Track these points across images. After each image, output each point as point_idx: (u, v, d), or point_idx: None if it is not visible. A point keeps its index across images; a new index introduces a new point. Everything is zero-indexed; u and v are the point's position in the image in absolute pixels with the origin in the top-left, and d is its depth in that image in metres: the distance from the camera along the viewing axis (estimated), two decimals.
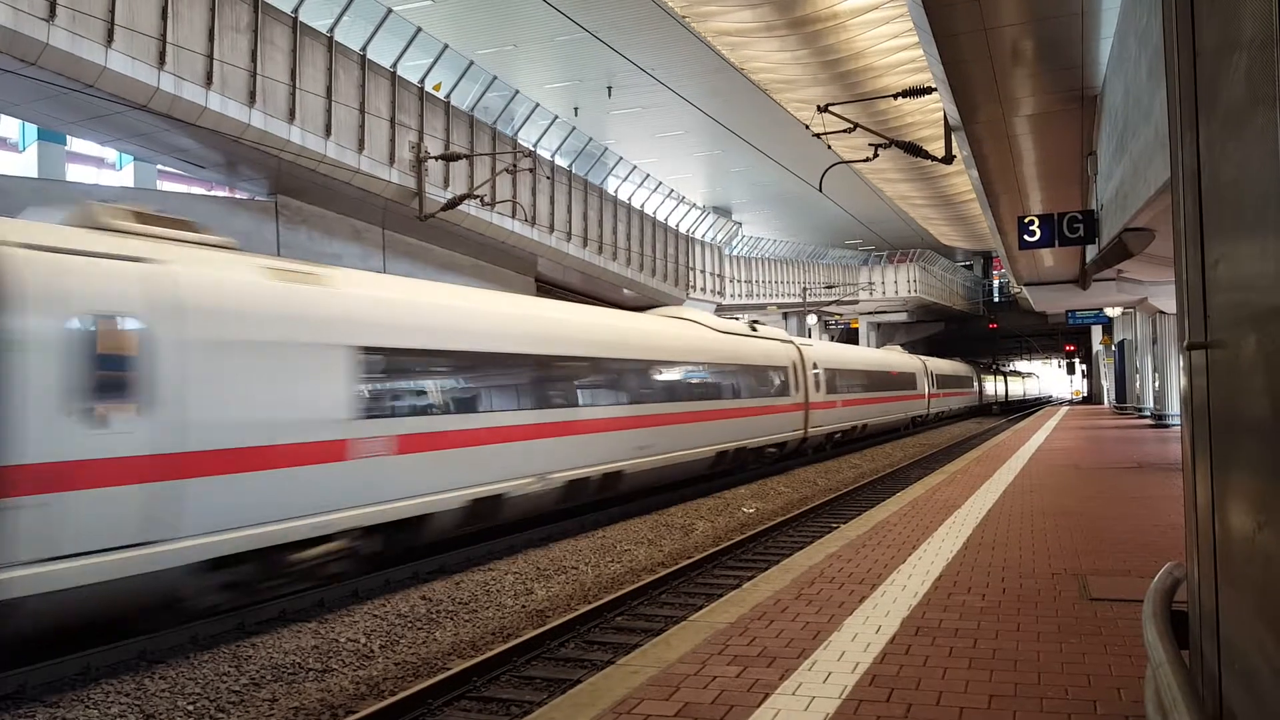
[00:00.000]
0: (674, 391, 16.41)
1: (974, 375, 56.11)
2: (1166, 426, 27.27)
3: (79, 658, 7.26)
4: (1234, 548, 1.95)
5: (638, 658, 5.27)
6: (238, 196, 20.43)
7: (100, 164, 27.24)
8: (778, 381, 21.82)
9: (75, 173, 25.40)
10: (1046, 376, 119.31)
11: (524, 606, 9.41)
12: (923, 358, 42.58)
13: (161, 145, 17.67)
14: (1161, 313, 27.68)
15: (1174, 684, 2.24)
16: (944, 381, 44.69)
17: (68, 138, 22.39)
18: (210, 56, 16.12)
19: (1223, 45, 1.93)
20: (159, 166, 23.89)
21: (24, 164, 23.48)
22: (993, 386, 66.14)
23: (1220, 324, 2.04)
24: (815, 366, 24.51)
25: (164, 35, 15.27)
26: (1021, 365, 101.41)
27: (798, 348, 23.90)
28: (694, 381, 17.48)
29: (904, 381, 36.11)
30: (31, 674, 6.93)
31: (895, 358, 36.86)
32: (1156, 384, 29.74)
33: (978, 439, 33.14)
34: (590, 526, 14.04)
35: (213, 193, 22.08)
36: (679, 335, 17.36)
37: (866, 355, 32.52)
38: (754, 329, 22.25)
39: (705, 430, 17.50)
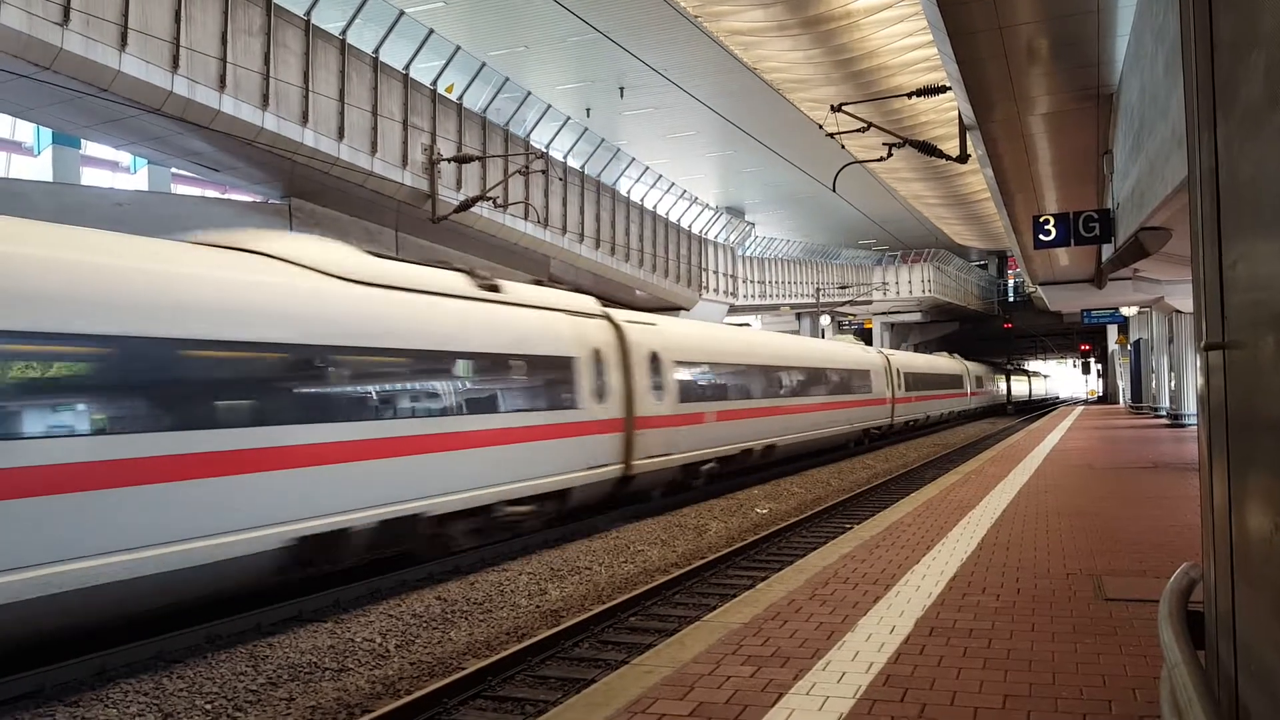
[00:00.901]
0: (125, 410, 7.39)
1: (964, 374, 46.82)
2: (1182, 426, 27.12)
3: (97, 657, 7.30)
4: (1251, 548, 1.94)
5: (652, 657, 5.27)
6: (251, 199, 20.54)
7: (115, 167, 27.39)
8: (545, 385, 12.73)
9: (90, 176, 25.55)
10: (1059, 376, 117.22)
11: (538, 606, 9.43)
12: (887, 350, 34.90)
13: (175, 148, 17.77)
14: (1178, 312, 27.53)
15: (1190, 685, 2.23)
16: (918, 382, 36.20)
17: (82, 142, 22.53)
18: (223, 60, 16.20)
19: (1240, 41, 1.92)
20: (173, 170, 24.02)
21: (39, 168, 23.63)
22: (992, 387, 57.05)
23: (1238, 324, 2.03)
24: (656, 358, 15.66)
25: (177, 39, 15.36)
26: (1033, 364, 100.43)
27: (615, 325, 14.92)
28: (228, 390, 8.30)
29: (850, 382, 27.01)
30: (50, 674, 6.98)
31: (831, 348, 27.73)
32: (1172, 383, 29.57)
33: (992, 439, 33.02)
34: (603, 527, 14.05)
35: (227, 196, 22.18)
36: (192, 282, 8.16)
37: (774, 344, 22.33)
38: (492, 285, 12.45)
39: (250, 497, 8.24)
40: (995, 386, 59.12)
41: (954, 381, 44.29)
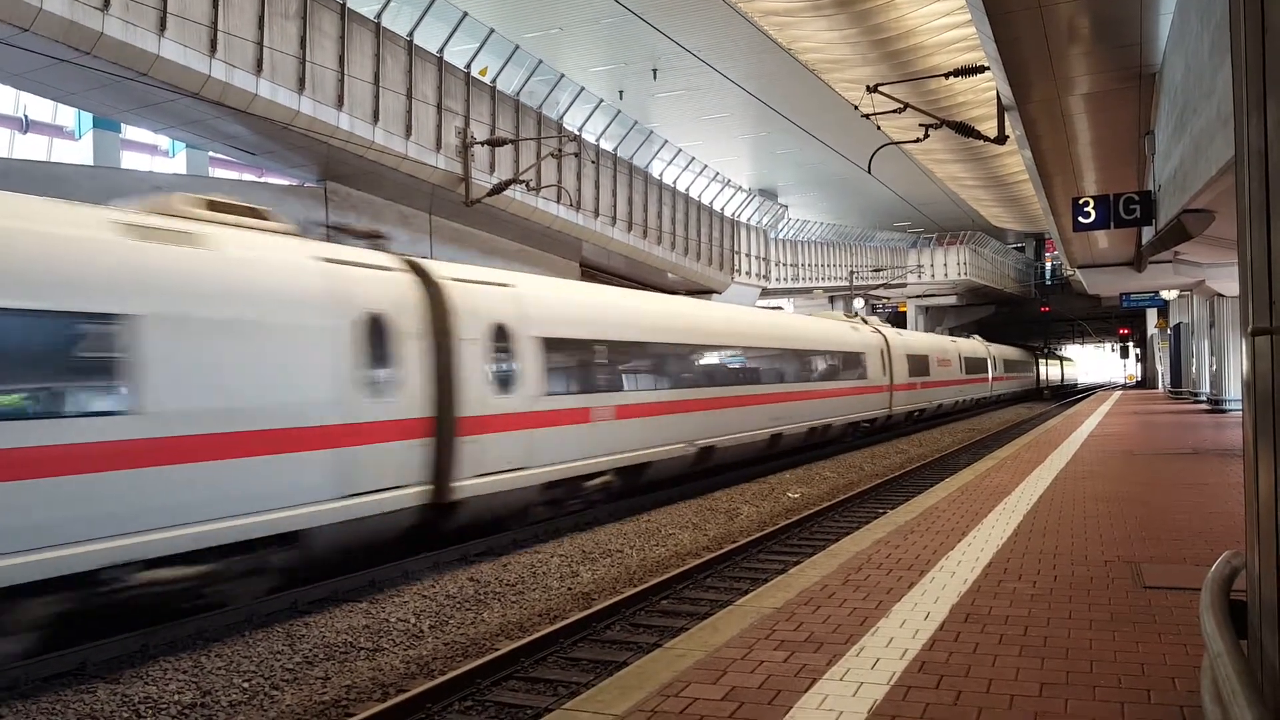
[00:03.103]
0: None
1: (880, 349, 27.18)
2: (1223, 411, 26.70)
3: (138, 636, 7.44)
4: None
5: (684, 641, 5.28)
6: (288, 183, 20.69)
7: (154, 151, 27.69)
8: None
9: (129, 160, 25.86)
10: (1091, 360, 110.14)
11: (570, 589, 9.48)
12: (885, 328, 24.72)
13: (213, 132, 17.93)
14: (1219, 295, 27.07)
15: (1233, 675, 2.20)
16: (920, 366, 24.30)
17: (122, 125, 22.78)
18: (260, 44, 16.30)
19: None
20: (210, 153, 24.25)
21: (80, 152, 23.95)
22: (950, 373, 35.76)
23: None
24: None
25: (215, 23, 15.47)
26: (1068, 349, 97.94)
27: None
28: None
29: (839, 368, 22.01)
30: (92, 651, 7.12)
31: (817, 326, 22.11)
32: (1213, 368, 29.10)
33: (1029, 424, 32.69)
34: (635, 511, 14.08)
35: (264, 179, 22.37)
36: None
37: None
38: None
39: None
40: (950, 370, 35.92)
41: (847, 364, 26.55)
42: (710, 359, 17.16)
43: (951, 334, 47.03)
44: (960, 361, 37.45)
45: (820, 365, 22.30)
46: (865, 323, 28.86)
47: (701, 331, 16.90)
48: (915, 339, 32.70)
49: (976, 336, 46.82)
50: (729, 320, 18.54)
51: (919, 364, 31.01)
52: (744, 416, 17.84)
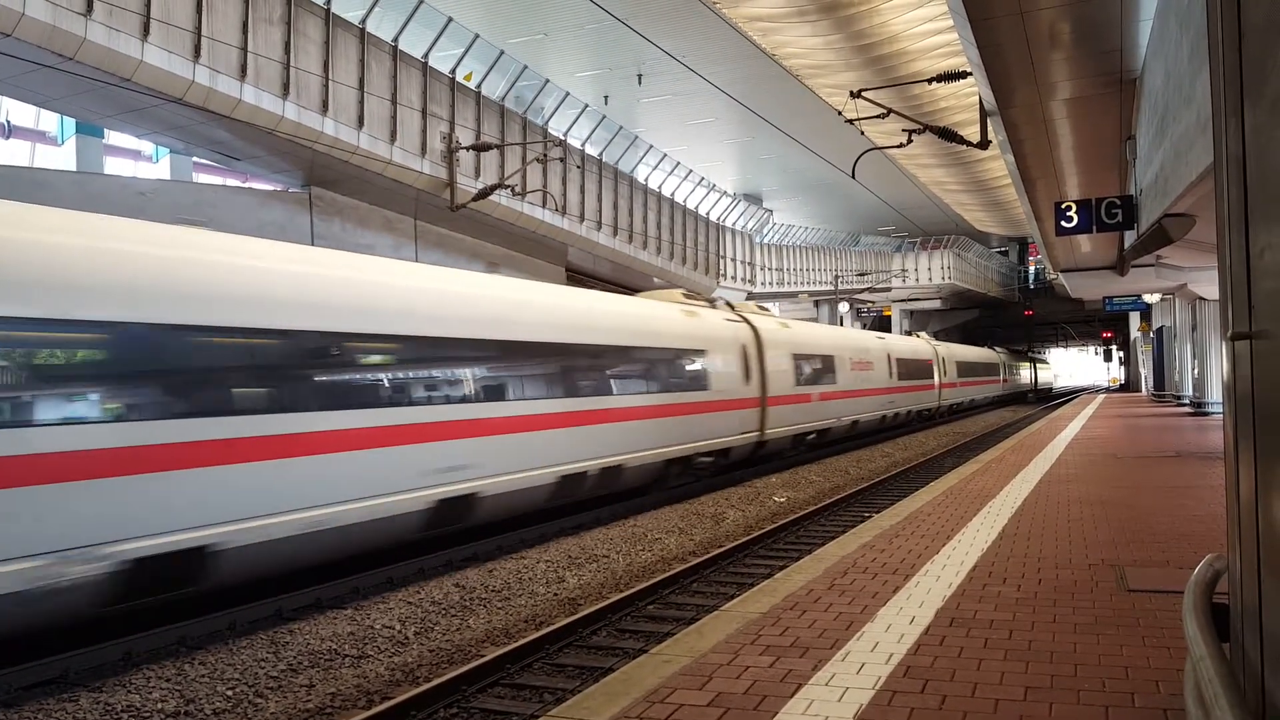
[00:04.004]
0: None
1: (741, 346, 18.42)
2: (1205, 414, 26.88)
3: (121, 643, 7.38)
4: (1278, 540, 1.92)
5: (670, 647, 5.27)
6: (272, 188, 20.62)
7: (137, 157, 27.55)
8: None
9: (113, 165, 25.72)
10: (1065, 362, 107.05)
11: (556, 594, 9.45)
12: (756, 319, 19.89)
13: (197, 138, 17.85)
14: (1201, 299, 27.27)
15: (1215, 678, 2.20)
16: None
17: (105, 131, 22.66)
18: (244, 49, 16.26)
19: (1270, 25, 1.89)
20: (194, 158, 24.15)
21: (63, 157, 23.80)
22: (872, 379, 27.27)
23: (1266, 313, 2.00)
24: None
25: (199, 28, 15.42)
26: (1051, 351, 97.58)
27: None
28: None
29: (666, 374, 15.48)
30: (74, 659, 7.06)
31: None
32: (1195, 371, 29.31)
33: (1013, 427, 32.84)
34: (621, 515, 14.07)
35: (248, 184, 22.28)
36: None
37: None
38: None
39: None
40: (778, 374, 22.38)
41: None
42: (257, 353, 8.50)
43: (937, 338, 46.80)
44: (890, 364, 29.32)
45: (600, 370, 13.79)
46: (731, 307, 20.66)
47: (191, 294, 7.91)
48: (809, 332, 23.48)
49: (922, 334, 41.52)
50: (349, 282, 9.63)
51: (817, 366, 22.43)
52: (372, 463, 9.34)
